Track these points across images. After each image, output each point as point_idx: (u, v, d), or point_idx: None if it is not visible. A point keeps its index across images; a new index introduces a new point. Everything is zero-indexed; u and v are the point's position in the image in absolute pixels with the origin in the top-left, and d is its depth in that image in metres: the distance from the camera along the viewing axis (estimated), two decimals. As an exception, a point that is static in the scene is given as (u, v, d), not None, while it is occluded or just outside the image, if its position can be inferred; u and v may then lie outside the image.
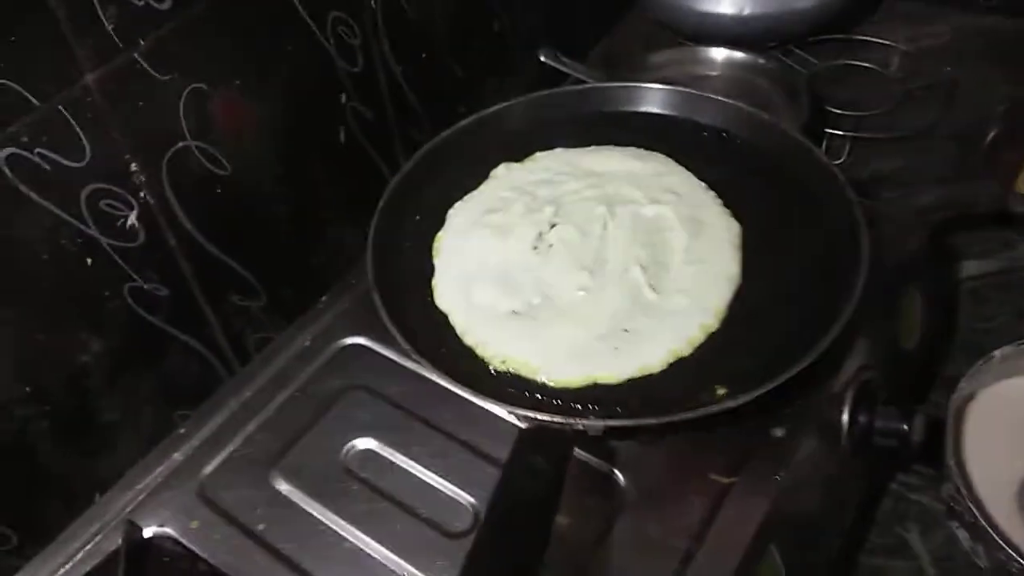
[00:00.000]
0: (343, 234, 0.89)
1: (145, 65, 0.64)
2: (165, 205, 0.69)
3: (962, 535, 0.71)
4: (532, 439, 0.54)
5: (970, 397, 0.75)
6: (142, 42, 0.63)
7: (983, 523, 0.66)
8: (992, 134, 1.10)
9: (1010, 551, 0.64)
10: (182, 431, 0.67)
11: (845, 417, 0.65)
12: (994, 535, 0.65)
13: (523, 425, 0.59)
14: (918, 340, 0.78)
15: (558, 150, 0.81)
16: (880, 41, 1.28)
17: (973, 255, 0.99)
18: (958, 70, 1.28)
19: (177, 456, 0.66)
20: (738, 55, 1.13)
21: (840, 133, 1.14)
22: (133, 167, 0.66)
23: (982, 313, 0.92)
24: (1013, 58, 1.22)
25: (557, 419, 0.58)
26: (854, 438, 0.66)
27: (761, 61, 1.13)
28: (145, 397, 0.73)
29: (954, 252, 0.99)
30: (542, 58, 1.10)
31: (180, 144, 0.69)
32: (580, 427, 0.57)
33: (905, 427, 0.65)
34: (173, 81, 0.66)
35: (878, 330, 0.71)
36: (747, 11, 1.15)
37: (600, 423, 0.57)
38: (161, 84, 0.66)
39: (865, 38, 1.28)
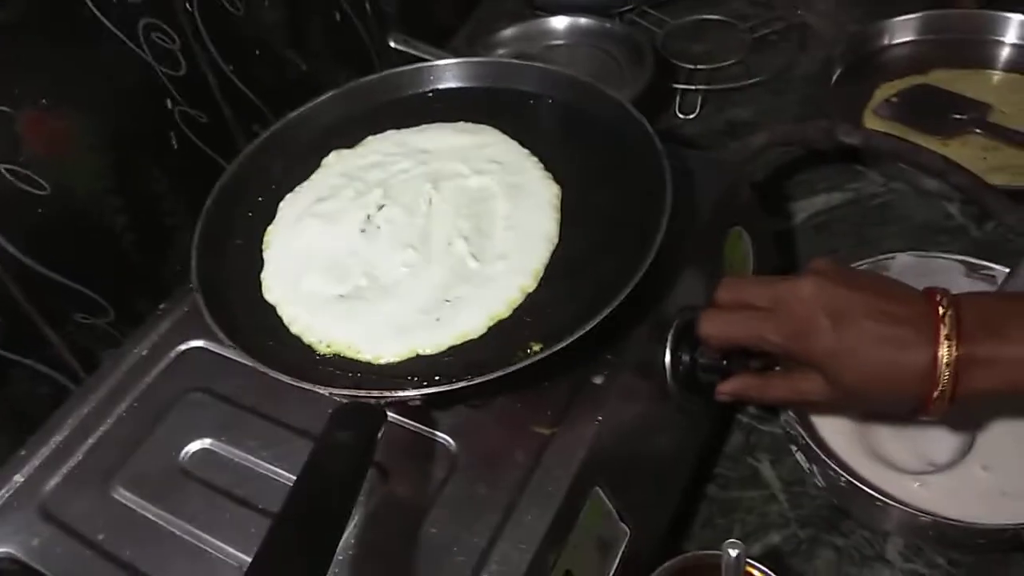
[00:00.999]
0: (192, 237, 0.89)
1: (-70, 92, 0.63)
2: (-20, 231, 0.69)
3: (800, 458, 0.74)
4: (340, 417, 0.55)
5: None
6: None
7: (811, 444, 0.69)
8: (837, 72, 1.14)
9: (836, 468, 0.67)
10: (22, 453, 0.67)
11: (667, 357, 0.67)
12: (819, 452, 0.68)
13: (341, 396, 0.60)
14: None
15: (389, 132, 0.82)
16: (730, -8, 1.31)
17: (822, 190, 1.02)
18: (809, 12, 1.32)
19: (17, 478, 0.65)
20: (583, 22, 1.15)
21: (692, 87, 1.17)
22: (-65, 196, 0.65)
23: (827, 244, 0.95)
24: (864, -5, 1.26)
25: (374, 394, 0.59)
26: (679, 377, 0.68)
27: (607, 25, 1.15)
28: (-8, 425, 0.73)
29: (799, 190, 1.02)
30: (392, 44, 1.11)
31: (-13, 169, 0.68)
32: (394, 399, 0.58)
33: (724, 361, 0.68)
34: (-31, 106, 0.66)
35: (700, 271, 0.73)
36: (591, -24, 1.17)
37: (415, 393, 0.59)
38: (-47, 110, 0.65)
39: (718, -9, 1.31)
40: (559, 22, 1.16)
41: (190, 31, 0.84)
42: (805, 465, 0.73)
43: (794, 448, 0.74)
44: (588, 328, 0.59)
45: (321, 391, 0.60)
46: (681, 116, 1.13)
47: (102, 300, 0.80)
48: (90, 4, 0.74)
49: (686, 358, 0.68)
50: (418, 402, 0.60)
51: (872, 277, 0.66)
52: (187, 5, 0.83)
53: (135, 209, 0.82)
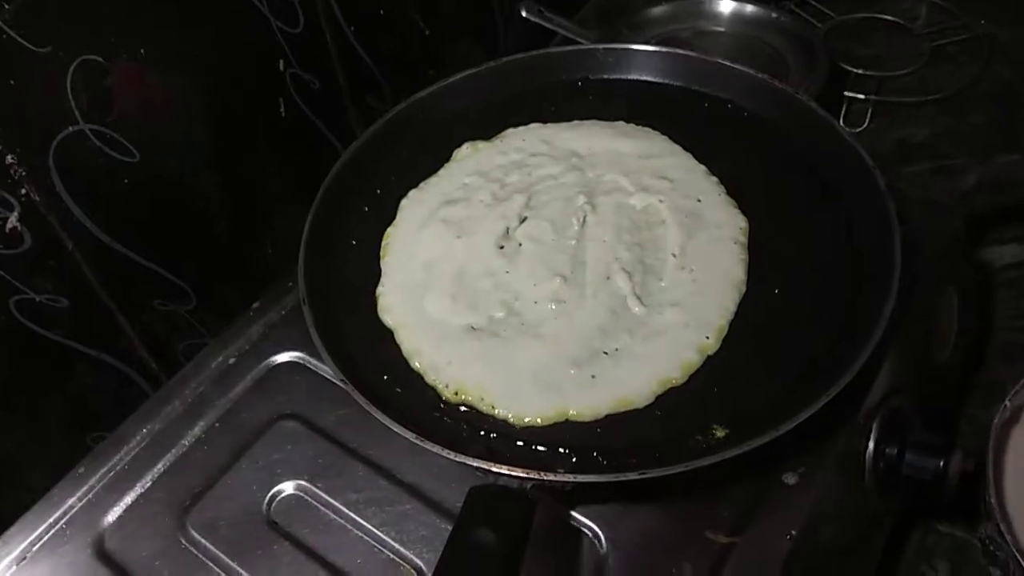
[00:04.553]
0: (292, 222, 0.77)
1: (13, 34, 0.52)
2: (56, 202, 0.58)
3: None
4: (480, 505, 0.43)
5: (1014, 420, 0.64)
6: (7, 5, 0.51)
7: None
8: (1033, 96, 0.98)
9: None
10: (80, 471, 0.57)
11: (870, 452, 0.54)
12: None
13: (474, 467, 0.48)
14: (951, 349, 0.67)
15: (533, 125, 0.69)
16: (905, -11, 1.14)
17: (1012, 239, 0.86)
18: (995, 23, 1.14)
19: (72, 502, 0.55)
20: (747, 8, 0.99)
21: (861, 97, 1.01)
22: (9, 159, 0.54)
23: (1022, 308, 0.80)
24: (1061, 9, 1.09)
25: (517, 472, 0.47)
26: (879, 475, 0.55)
27: (773, 15, 0.99)
28: (50, 423, 0.63)
29: (989, 237, 0.87)
30: (523, 13, 0.97)
31: (70, 129, 0.57)
32: (545, 481, 0.46)
33: (940, 462, 0.54)
34: (54, 53, 0.55)
35: (908, 342, 0.59)
36: (758, -46, 1.01)
37: (570, 478, 0.46)
38: (38, 57, 0.54)
39: (888, -14, 1.14)
40: (717, 4, 1.01)
41: (314, -19, 0.72)
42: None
43: (996, 572, 0.60)
44: (799, 421, 0.46)
45: (447, 455, 0.48)
46: (847, 128, 0.98)
47: (183, 284, 0.69)
48: (205, -60, 0.62)
49: (892, 452, 0.55)
50: (569, 487, 0.48)
51: None
52: (313, -51, 0.71)
53: (231, 184, 0.71)
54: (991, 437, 0.61)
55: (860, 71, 1.04)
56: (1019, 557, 0.57)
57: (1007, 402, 0.63)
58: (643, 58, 0.71)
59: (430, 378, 0.54)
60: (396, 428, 0.48)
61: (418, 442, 0.48)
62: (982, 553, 0.62)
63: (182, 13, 0.62)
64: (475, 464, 0.47)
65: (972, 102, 1.03)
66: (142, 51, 0.60)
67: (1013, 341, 0.78)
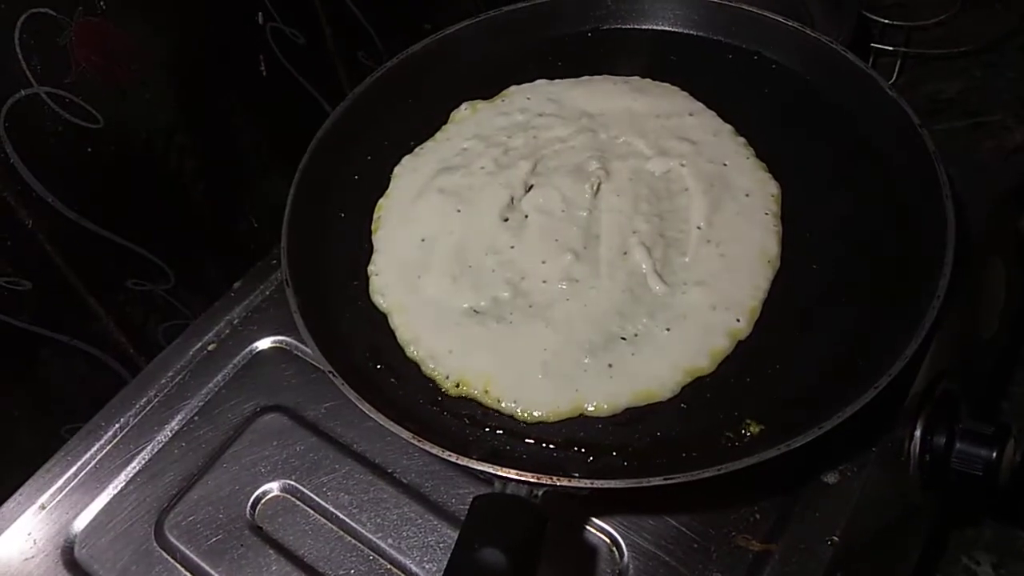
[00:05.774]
0: (278, 191, 0.71)
1: (-52, -17, 0.46)
2: (10, 175, 0.52)
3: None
4: (483, 519, 0.38)
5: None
6: (-62, -51, 0.45)
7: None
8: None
9: None
10: (49, 470, 0.52)
11: (916, 443, 0.49)
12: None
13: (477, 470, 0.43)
14: (998, 325, 0.61)
15: (539, 82, 0.63)
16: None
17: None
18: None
19: (39, 504, 0.50)
20: (769, -48, 0.92)
21: (889, 48, 0.94)
22: (-49, 127, 0.49)
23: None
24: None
25: (526, 477, 0.41)
26: (925, 469, 0.50)
27: (796, -41, 0.92)
28: (16, 416, 0.58)
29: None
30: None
31: (22, 93, 0.51)
32: (559, 485, 0.41)
33: (993, 453, 0.49)
34: (-2, 5, 0.48)
35: (956, 321, 0.53)
36: None
37: (586, 484, 0.41)
38: (-22, 10, 0.48)
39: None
40: (736, -50, 0.93)
41: (294, -78, 0.65)
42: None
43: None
44: (844, 418, 0.41)
45: (448, 458, 0.42)
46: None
47: (159, 261, 0.64)
48: None
49: (940, 442, 0.49)
50: (585, 492, 0.43)
51: None
52: None
53: (208, 150, 0.65)
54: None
55: (887, 21, 0.97)
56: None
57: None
58: (660, 5, 0.64)
59: (428, 368, 0.48)
60: (389, 425, 0.43)
61: (414, 442, 0.42)
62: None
63: (145, -41, 0.56)
64: (478, 468, 0.41)
65: (1005, 55, 0.96)
66: (102, 3, 0.54)
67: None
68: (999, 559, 0.59)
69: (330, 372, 0.46)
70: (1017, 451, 0.50)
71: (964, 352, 0.54)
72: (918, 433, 0.49)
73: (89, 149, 0.56)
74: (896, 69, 0.93)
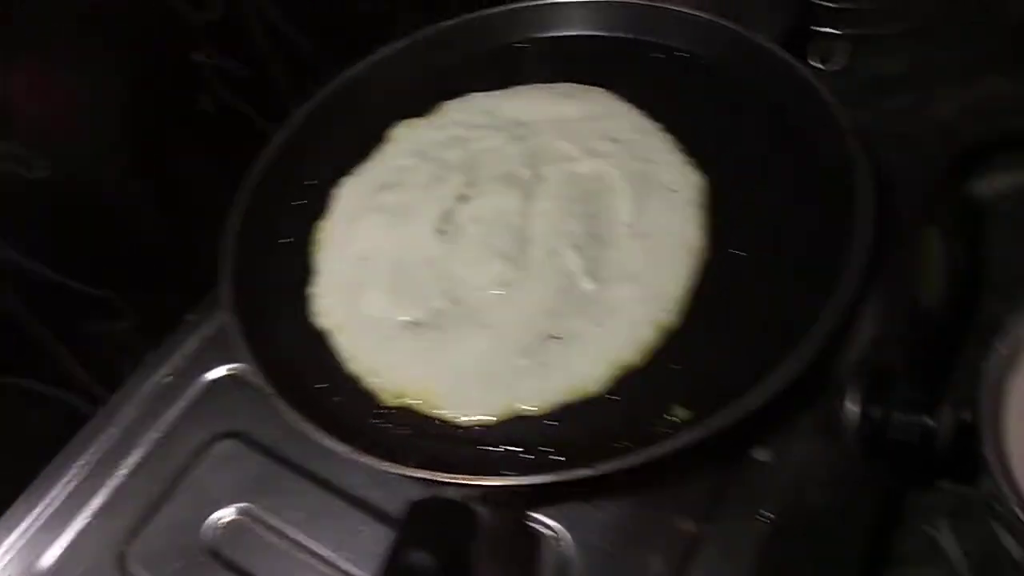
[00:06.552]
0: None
1: None
2: (-42, 226, 0.54)
3: (1008, 542, 0.56)
4: (417, 523, 0.39)
5: (1010, 364, 0.59)
6: None
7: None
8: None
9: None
10: (12, 511, 0.53)
11: (849, 414, 0.50)
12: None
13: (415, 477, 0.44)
14: (942, 294, 0.62)
15: (472, 96, 0.64)
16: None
17: (1000, 165, 0.80)
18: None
19: (8, 544, 0.52)
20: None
21: (836, 32, 0.95)
22: None
23: (1019, 239, 0.74)
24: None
25: (460, 480, 0.43)
26: (863, 441, 0.50)
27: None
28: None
29: (978, 169, 0.81)
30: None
31: (-38, 146, 0.53)
32: (488, 485, 0.42)
33: (929, 420, 0.50)
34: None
35: (891, 291, 0.54)
36: None
37: (517, 481, 0.42)
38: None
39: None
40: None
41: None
42: (1016, 552, 0.55)
43: (998, 524, 0.56)
44: (770, 394, 0.42)
45: (385, 468, 0.44)
46: (820, 67, 0.92)
47: (119, 302, 0.65)
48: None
49: (876, 413, 0.50)
50: (525, 488, 0.44)
51: None
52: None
53: (161, 190, 0.66)
54: (982, 384, 0.56)
55: (834, 4, 0.98)
56: (1019, 512, 0.52)
57: (999, 343, 0.58)
58: (584, 11, 0.66)
59: (368, 383, 0.49)
60: (323, 440, 0.45)
61: (350, 455, 0.44)
62: (986, 510, 0.58)
63: (75, 9, 0.57)
64: (412, 475, 0.43)
65: (951, 29, 0.97)
66: (36, 52, 0.55)
67: (1009, 279, 0.73)
68: (957, 522, 0.60)
69: (271, 393, 0.47)
70: (960, 414, 0.51)
71: (902, 320, 0.55)
72: (851, 405, 0.50)
73: (39, 197, 0.58)
74: (839, 51, 0.94)
